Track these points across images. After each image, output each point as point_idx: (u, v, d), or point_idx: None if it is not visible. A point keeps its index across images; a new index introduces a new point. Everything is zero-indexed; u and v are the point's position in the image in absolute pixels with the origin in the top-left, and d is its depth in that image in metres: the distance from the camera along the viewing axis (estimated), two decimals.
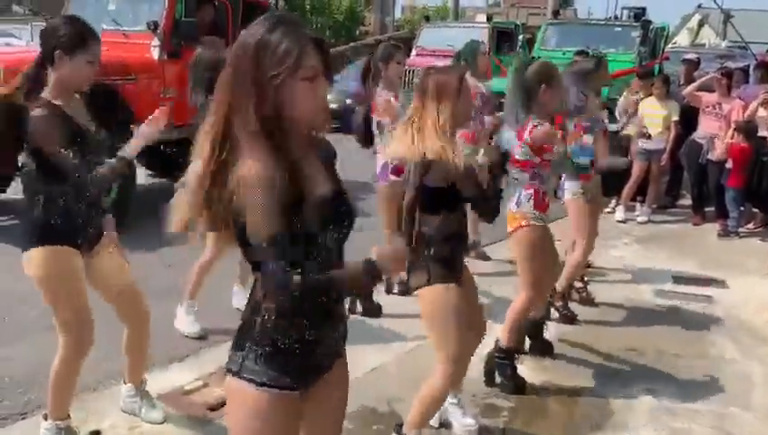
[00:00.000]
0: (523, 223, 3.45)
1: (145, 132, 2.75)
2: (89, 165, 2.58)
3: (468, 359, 2.92)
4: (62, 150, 2.52)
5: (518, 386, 3.59)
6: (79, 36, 2.56)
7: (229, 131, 1.55)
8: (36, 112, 2.53)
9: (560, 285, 4.43)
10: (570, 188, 4.39)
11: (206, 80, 3.70)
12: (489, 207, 2.88)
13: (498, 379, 3.62)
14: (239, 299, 4.28)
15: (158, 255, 5.08)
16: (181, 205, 1.61)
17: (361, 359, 3.84)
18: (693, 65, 8.47)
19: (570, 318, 4.53)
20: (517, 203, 3.47)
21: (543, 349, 4.03)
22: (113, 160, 2.66)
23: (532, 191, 3.46)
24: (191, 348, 3.95)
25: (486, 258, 5.68)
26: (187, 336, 4.09)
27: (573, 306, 4.66)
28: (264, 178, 1.49)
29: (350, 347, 3.82)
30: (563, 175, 4.32)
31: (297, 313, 1.62)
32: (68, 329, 2.73)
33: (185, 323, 4.13)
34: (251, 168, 1.49)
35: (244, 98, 1.53)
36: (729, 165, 6.79)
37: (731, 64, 9.56)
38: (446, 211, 2.75)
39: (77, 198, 2.65)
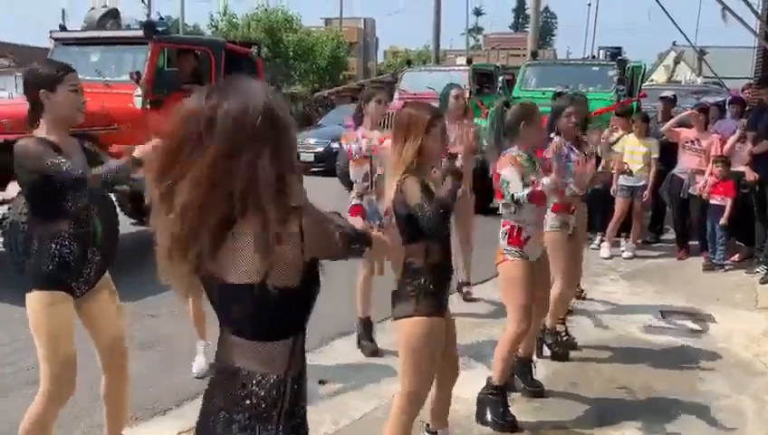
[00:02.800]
0: (501, 258, 3.57)
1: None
2: (68, 197, 2.62)
3: (446, 394, 2.99)
4: (52, 161, 2.54)
5: (509, 424, 3.56)
6: (55, 70, 2.67)
7: None
8: (22, 141, 2.60)
9: (548, 321, 4.41)
10: (548, 221, 4.27)
11: None
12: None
13: (489, 417, 3.58)
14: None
15: (140, 305, 5.01)
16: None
17: (348, 407, 3.78)
18: (669, 102, 8.62)
19: (561, 355, 4.50)
20: (502, 236, 3.58)
21: (534, 389, 3.98)
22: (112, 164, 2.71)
23: (508, 227, 3.55)
24: (174, 400, 3.86)
25: (471, 299, 5.63)
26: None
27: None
28: None
29: (336, 395, 3.77)
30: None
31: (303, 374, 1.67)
32: (48, 376, 2.68)
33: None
34: None
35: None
36: (714, 201, 6.85)
37: (709, 100, 9.74)
38: (426, 240, 2.75)
39: (69, 238, 2.66)
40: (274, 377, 1.56)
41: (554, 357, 4.49)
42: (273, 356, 1.56)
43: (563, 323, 4.66)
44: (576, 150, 4.33)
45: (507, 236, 3.54)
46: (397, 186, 2.71)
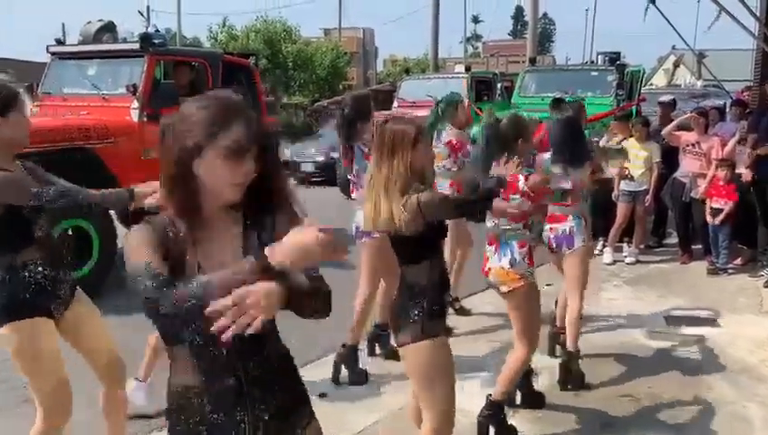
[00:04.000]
0: (523, 282, 3.41)
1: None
2: (35, 226, 2.58)
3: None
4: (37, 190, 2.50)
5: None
6: (5, 98, 2.56)
7: None
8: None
9: (571, 345, 4.21)
10: (580, 237, 4.19)
11: None
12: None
13: (491, 433, 3.51)
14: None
15: (141, 316, 4.96)
16: None
17: (348, 420, 3.72)
18: (669, 107, 8.59)
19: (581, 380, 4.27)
20: (511, 262, 3.42)
21: (535, 400, 3.92)
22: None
23: (526, 249, 3.45)
24: None
25: (467, 313, 5.54)
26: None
27: None
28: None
29: (335, 409, 3.71)
30: (570, 226, 4.20)
31: (196, 392, 1.65)
32: (43, 402, 2.64)
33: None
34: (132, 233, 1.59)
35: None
36: (716, 204, 6.80)
37: (708, 103, 9.71)
38: (429, 259, 2.69)
39: (40, 263, 2.60)
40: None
41: (575, 386, 4.20)
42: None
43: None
44: None
45: (527, 257, 3.44)
46: (404, 205, 2.55)
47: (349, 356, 4.30)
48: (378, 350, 4.65)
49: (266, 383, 1.68)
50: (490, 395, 3.53)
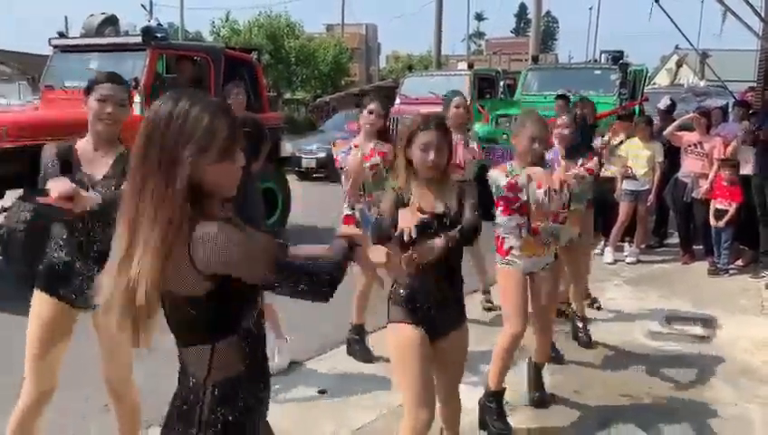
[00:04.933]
0: (498, 266, 3.64)
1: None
2: None
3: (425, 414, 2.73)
4: None
5: (505, 430, 3.53)
6: (91, 80, 2.70)
7: None
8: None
9: (576, 308, 4.76)
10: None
11: None
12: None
13: (488, 424, 3.55)
14: None
15: None
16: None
17: (347, 417, 3.72)
18: (668, 113, 8.60)
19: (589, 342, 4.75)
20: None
21: (543, 400, 3.92)
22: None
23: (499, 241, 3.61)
24: None
25: (489, 308, 5.51)
26: None
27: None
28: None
29: (335, 405, 3.70)
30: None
31: (240, 379, 1.63)
32: (32, 377, 2.67)
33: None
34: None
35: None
36: (720, 205, 6.79)
37: (710, 103, 9.69)
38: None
39: (60, 246, 2.65)
40: (193, 381, 1.62)
41: (583, 343, 4.77)
42: (190, 361, 1.63)
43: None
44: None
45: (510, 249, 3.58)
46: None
47: (357, 334, 4.54)
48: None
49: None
50: (487, 385, 3.59)
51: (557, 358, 4.45)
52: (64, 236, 2.65)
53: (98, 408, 3.42)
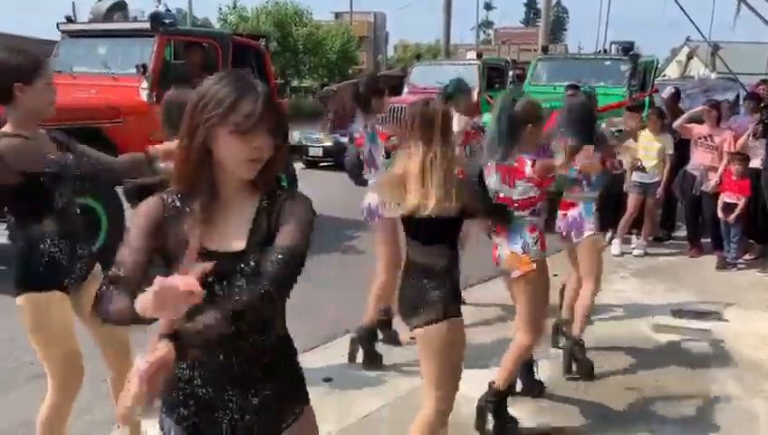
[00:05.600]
0: (535, 266, 3.35)
1: None
2: (58, 192, 2.56)
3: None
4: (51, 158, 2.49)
5: (509, 426, 3.49)
6: (32, 63, 2.51)
7: None
8: (4, 140, 2.46)
9: (577, 333, 4.24)
10: (589, 224, 4.20)
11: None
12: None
13: (491, 424, 3.48)
14: None
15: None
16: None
17: (353, 405, 3.73)
18: (674, 99, 8.54)
19: (590, 372, 4.23)
20: (523, 247, 3.35)
21: (536, 390, 3.91)
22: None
23: (537, 233, 3.38)
24: None
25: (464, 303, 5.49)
26: None
27: None
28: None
29: (341, 394, 3.71)
30: (578, 212, 4.22)
31: (189, 365, 1.66)
32: (54, 374, 2.65)
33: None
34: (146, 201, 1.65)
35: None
36: (728, 199, 6.74)
37: (717, 98, 9.59)
38: (455, 243, 2.74)
39: (57, 236, 2.58)
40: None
41: (582, 374, 4.21)
42: None
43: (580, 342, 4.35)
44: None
45: (539, 242, 3.38)
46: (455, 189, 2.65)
47: (364, 338, 4.29)
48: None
49: (262, 365, 1.67)
50: (493, 382, 3.51)
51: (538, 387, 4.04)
52: (58, 228, 2.57)
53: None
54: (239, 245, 1.60)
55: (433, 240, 2.72)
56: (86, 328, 2.82)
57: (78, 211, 2.70)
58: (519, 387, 3.85)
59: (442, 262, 2.71)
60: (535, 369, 3.93)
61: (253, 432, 1.68)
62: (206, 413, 1.66)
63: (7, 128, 2.53)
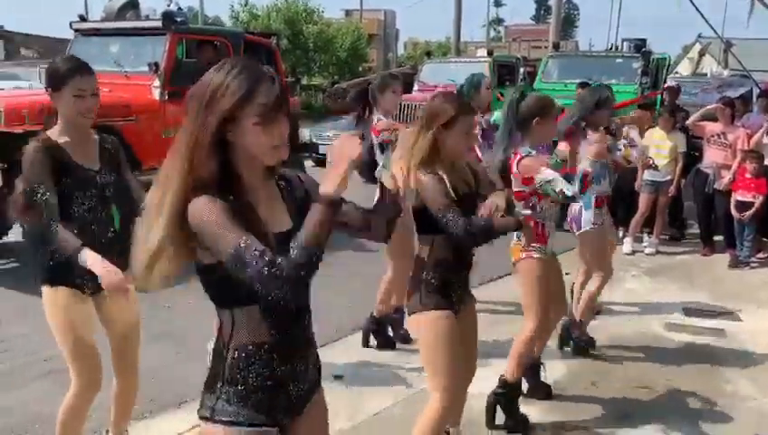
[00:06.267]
0: (524, 255, 3.44)
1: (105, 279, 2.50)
2: (73, 202, 2.57)
3: (462, 393, 2.84)
4: (40, 186, 2.49)
5: (520, 422, 3.51)
6: (62, 72, 2.56)
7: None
8: (28, 147, 2.55)
9: (578, 314, 4.46)
10: (589, 218, 4.34)
11: None
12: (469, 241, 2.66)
13: (501, 415, 3.51)
14: None
15: (155, 295, 4.99)
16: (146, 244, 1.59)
17: (364, 403, 3.73)
18: (674, 92, 8.50)
19: (585, 350, 4.45)
20: (518, 237, 3.44)
21: (542, 392, 3.88)
22: (75, 244, 2.50)
23: (531, 225, 3.35)
24: (187, 393, 3.84)
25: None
26: None
27: None
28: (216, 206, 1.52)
29: (352, 391, 3.71)
30: (579, 206, 4.31)
31: (266, 349, 1.64)
32: (69, 364, 2.69)
33: None
34: (202, 201, 1.53)
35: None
36: (741, 197, 6.69)
37: (732, 94, 9.53)
38: (436, 235, 2.67)
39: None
40: (222, 341, 1.68)
41: (576, 352, 4.44)
42: (220, 322, 1.68)
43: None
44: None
45: (532, 235, 3.37)
46: (409, 173, 2.60)
47: (377, 326, 4.46)
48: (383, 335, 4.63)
49: (311, 334, 1.79)
50: (503, 375, 3.53)
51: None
52: (75, 231, 2.57)
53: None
54: (286, 224, 1.66)
55: (420, 230, 2.74)
56: (107, 335, 2.86)
57: (105, 222, 2.66)
58: (525, 388, 3.84)
59: (423, 254, 2.72)
60: (542, 371, 3.91)
61: (305, 401, 1.78)
62: (281, 390, 1.68)
63: (55, 127, 2.62)
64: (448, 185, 2.62)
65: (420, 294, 2.70)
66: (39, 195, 2.48)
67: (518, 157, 3.35)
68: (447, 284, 2.73)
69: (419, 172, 2.61)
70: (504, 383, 3.51)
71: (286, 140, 1.61)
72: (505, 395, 3.51)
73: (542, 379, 3.91)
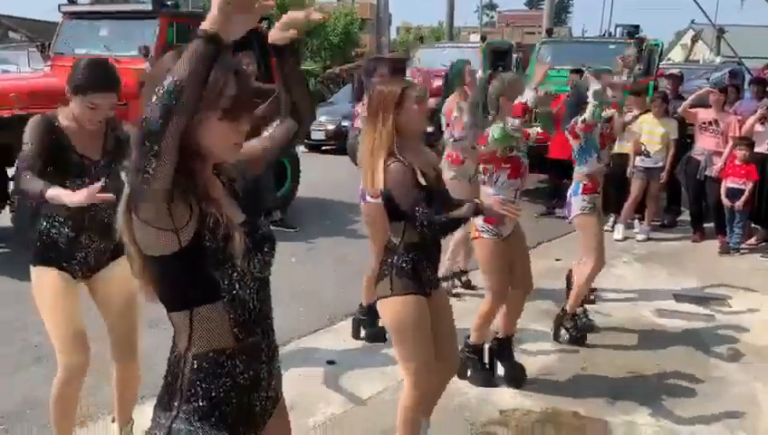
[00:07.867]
0: (476, 234, 3.70)
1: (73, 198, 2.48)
2: (72, 186, 2.55)
3: (434, 379, 2.80)
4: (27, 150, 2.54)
5: (486, 379, 3.80)
6: (85, 83, 2.56)
7: None
8: (33, 117, 2.64)
9: (569, 305, 4.45)
10: (578, 204, 4.34)
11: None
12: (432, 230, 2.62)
13: (468, 373, 3.79)
14: None
15: None
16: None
17: (356, 388, 3.74)
18: (677, 79, 8.49)
19: (579, 339, 4.43)
20: None
21: (515, 374, 3.87)
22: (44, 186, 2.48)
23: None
24: None
25: (472, 287, 5.42)
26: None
27: None
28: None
29: (344, 377, 3.72)
30: (572, 192, 4.39)
31: (229, 354, 1.53)
32: (58, 350, 2.67)
33: None
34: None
35: None
36: (731, 184, 6.71)
37: (718, 74, 9.54)
38: (405, 221, 2.66)
39: (58, 221, 2.65)
40: (177, 351, 1.55)
41: (572, 341, 4.42)
42: (174, 329, 1.55)
43: (582, 306, 4.61)
44: None
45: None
46: (384, 167, 2.58)
47: (367, 315, 4.35)
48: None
49: (272, 331, 1.66)
50: (468, 337, 3.82)
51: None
52: (65, 213, 2.61)
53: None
54: (240, 217, 1.56)
55: (391, 217, 2.71)
56: (103, 320, 2.86)
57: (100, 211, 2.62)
58: (501, 371, 3.90)
59: (394, 238, 2.71)
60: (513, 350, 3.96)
61: (275, 403, 1.68)
62: (244, 402, 1.56)
63: (65, 109, 2.65)
64: (419, 173, 2.60)
65: (390, 279, 2.69)
66: (25, 150, 2.55)
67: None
68: (418, 267, 2.71)
69: (388, 161, 2.58)
70: (467, 345, 3.82)
71: (243, 138, 1.54)
72: (470, 354, 3.82)
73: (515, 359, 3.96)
